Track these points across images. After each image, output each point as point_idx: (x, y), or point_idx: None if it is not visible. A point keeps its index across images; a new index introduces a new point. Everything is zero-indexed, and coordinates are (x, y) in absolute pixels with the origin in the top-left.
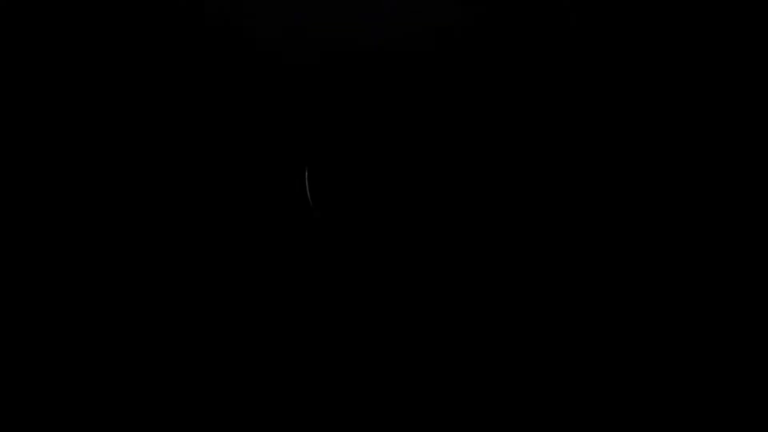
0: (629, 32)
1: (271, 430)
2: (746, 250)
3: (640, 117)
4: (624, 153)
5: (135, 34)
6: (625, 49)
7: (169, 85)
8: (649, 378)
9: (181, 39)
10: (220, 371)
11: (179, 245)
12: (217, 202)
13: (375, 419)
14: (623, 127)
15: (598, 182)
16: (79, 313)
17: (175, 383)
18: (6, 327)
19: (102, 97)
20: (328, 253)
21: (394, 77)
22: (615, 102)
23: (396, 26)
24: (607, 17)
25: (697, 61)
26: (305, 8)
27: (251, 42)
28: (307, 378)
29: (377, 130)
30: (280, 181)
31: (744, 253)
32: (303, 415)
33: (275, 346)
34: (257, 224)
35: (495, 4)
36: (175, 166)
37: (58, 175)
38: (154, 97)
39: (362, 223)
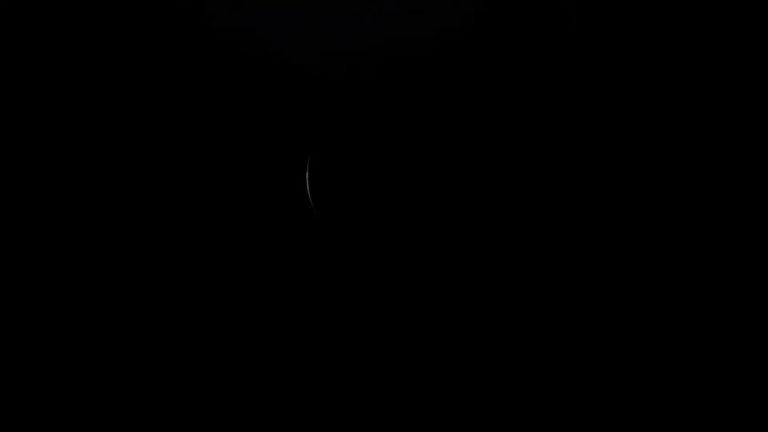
0: (629, 32)
1: (271, 430)
2: (746, 249)
3: (640, 117)
4: (624, 153)
5: (135, 35)
6: (625, 49)
7: (170, 85)
8: (649, 378)
9: (182, 40)
10: (220, 371)
11: (180, 245)
12: (218, 202)
13: (375, 419)
14: (623, 127)
15: (598, 182)
16: (79, 312)
17: (176, 383)
18: (6, 327)
19: (103, 97)
20: (328, 253)
21: (394, 78)
22: (615, 102)
23: (396, 27)
24: (607, 17)
25: (697, 61)
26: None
27: (250, 43)
28: (307, 377)
29: (377, 131)
30: (280, 181)
31: (744, 253)
32: (303, 414)
33: (276, 345)
34: (257, 224)
35: (495, 4)
36: (175, 166)
37: (59, 175)
38: (154, 97)
39: (362, 223)
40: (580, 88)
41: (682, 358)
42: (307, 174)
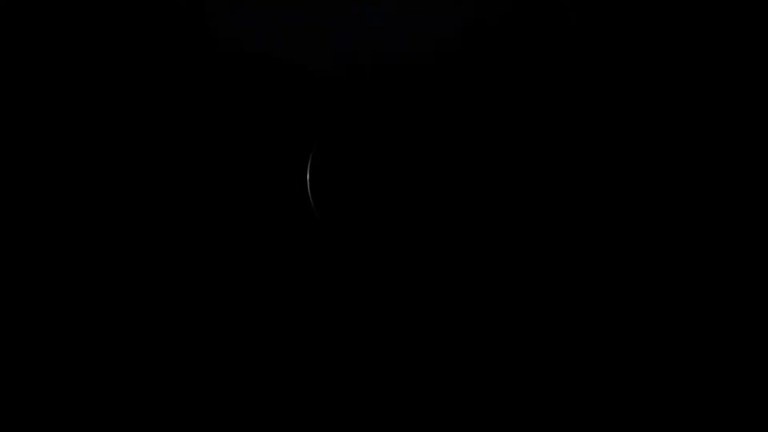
0: (629, 32)
1: (272, 430)
2: (746, 249)
3: (640, 117)
4: (624, 153)
5: (135, 35)
6: (625, 49)
7: (170, 85)
8: (648, 378)
9: (181, 40)
10: (221, 371)
11: (180, 245)
12: (218, 202)
13: (375, 419)
14: (623, 128)
15: (598, 183)
16: (81, 312)
17: (176, 383)
18: (6, 327)
19: (104, 97)
20: (328, 253)
21: (395, 78)
22: (615, 102)
23: (395, 27)
24: (607, 17)
25: (697, 61)
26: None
27: (250, 42)
28: (307, 377)
29: (377, 130)
30: (280, 181)
31: (744, 253)
32: (303, 414)
33: (276, 345)
34: (258, 224)
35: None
36: (175, 166)
37: (60, 175)
38: (154, 97)
39: (363, 223)
40: (580, 89)
41: (682, 358)
42: (307, 174)
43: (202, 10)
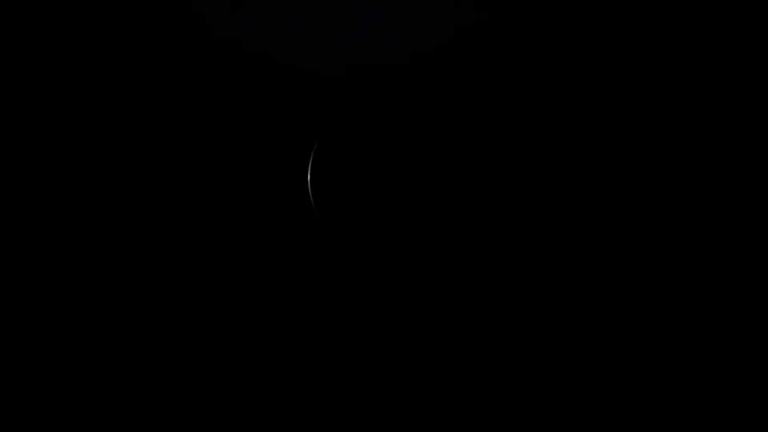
0: (629, 32)
1: (272, 430)
2: (746, 249)
3: (640, 117)
4: (624, 153)
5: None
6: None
7: (170, 85)
8: (649, 378)
9: (181, 40)
10: (221, 371)
11: (181, 245)
12: (218, 202)
13: (375, 419)
14: (623, 128)
15: (598, 182)
16: (82, 313)
17: (177, 382)
18: (6, 327)
19: (104, 97)
20: (329, 253)
21: (395, 78)
22: (615, 102)
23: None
24: (607, 17)
25: (697, 61)
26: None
27: (251, 43)
28: (308, 377)
29: (378, 130)
30: (281, 182)
31: (744, 253)
32: (303, 413)
33: (276, 346)
34: (258, 224)
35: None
36: (176, 166)
37: (63, 177)
38: (154, 98)
39: (363, 223)
40: (579, 89)
41: (682, 358)
42: (308, 174)
43: (202, 10)
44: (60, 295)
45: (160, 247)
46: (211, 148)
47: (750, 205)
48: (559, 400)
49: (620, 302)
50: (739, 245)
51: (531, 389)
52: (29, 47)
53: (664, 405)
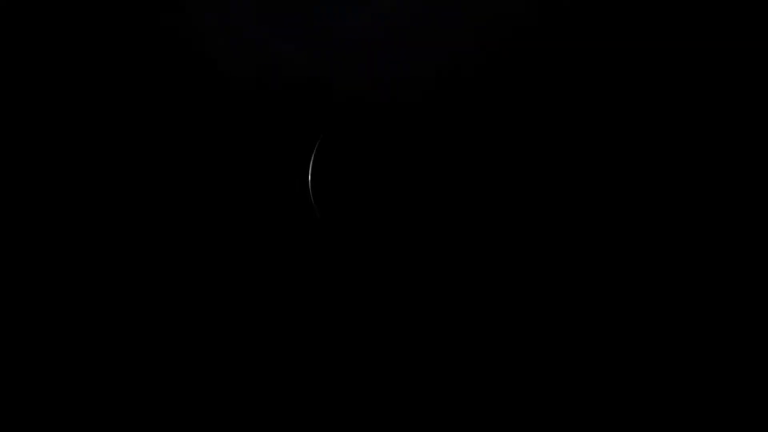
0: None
1: (271, 430)
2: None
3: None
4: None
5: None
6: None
7: (170, 85)
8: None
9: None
10: (222, 371)
11: (181, 245)
12: (219, 202)
13: (375, 419)
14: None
15: (598, 182)
16: (85, 313)
17: (177, 382)
18: (6, 327)
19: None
20: (329, 253)
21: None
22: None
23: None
24: (607, 17)
25: (697, 62)
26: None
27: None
28: (308, 377)
29: (378, 131)
30: (281, 182)
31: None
32: (303, 414)
33: (277, 344)
34: (259, 224)
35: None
36: (176, 166)
37: (65, 177)
38: (155, 98)
39: (363, 223)
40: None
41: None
42: (309, 174)
43: (202, 10)
44: (61, 295)
45: (161, 246)
46: (211, 149)
47: (750, 205)
48: (559, 400)
49: (620, 302)
50: (739, 244)
51: (531, 389)
52: (29, 47)
53: (664, 405)
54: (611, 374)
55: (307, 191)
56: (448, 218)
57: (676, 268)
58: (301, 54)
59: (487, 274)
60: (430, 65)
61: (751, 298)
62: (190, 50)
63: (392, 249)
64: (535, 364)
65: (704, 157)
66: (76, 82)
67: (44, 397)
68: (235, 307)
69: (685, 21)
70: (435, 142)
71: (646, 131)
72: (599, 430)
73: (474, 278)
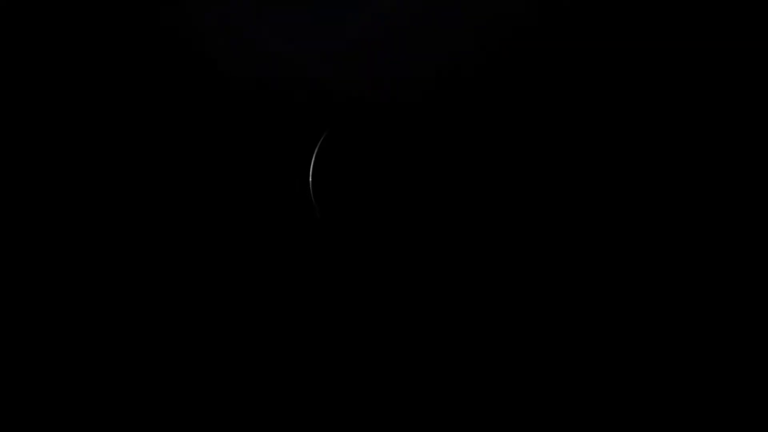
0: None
1: (271, 430)
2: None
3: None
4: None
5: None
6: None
7: (170, 85)
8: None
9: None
10: (222, 371)
11: (181, 245)
12: (219, 202)
13: (375, 419)
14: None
15: (598, 182)
16: (85, 312)
17: (178, 382)
18: (6, 327)
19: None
20: (329, 253)
21: (396, 78)
22: (614, 102)
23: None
24: (607, 17)
25: (697, 62)
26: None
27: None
28: (308, 377)
29: (379, 131)
30: (282, 182)
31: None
32: (303, 413)
33: (278, 344)
34: (259, 224)
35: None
36: (176, 166)
37: (66, 178)
38: (155, 98)
39: (364, 223)
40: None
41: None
42: (309, 175)
43: (202, 10)
44: (61, 295)
45: (161, 246)
46: (211, 149)
47: (750, 205)
48: (559, 400)
49: (620, 302)
50: (739, 244)
51: (531, 389)
52: (29, 47)
53: (664, 405)
54: (611, 374)
55: (307, 191)
56: (449, 218)
57: (676, 268)
58: (301, 54)
59: (487, 273)
60: (430, 65)
61: (751, 298)
62: (190, 50)
63: (393, 249)
64: (536, 364)
65: (704, 157)
66: (76, 82)
67: (44, 397)
68: (236, 307)
69: (685, 21)
70: (435, 142)
71: (647, 131)
72: (599, 430)
73: (475, 278)
